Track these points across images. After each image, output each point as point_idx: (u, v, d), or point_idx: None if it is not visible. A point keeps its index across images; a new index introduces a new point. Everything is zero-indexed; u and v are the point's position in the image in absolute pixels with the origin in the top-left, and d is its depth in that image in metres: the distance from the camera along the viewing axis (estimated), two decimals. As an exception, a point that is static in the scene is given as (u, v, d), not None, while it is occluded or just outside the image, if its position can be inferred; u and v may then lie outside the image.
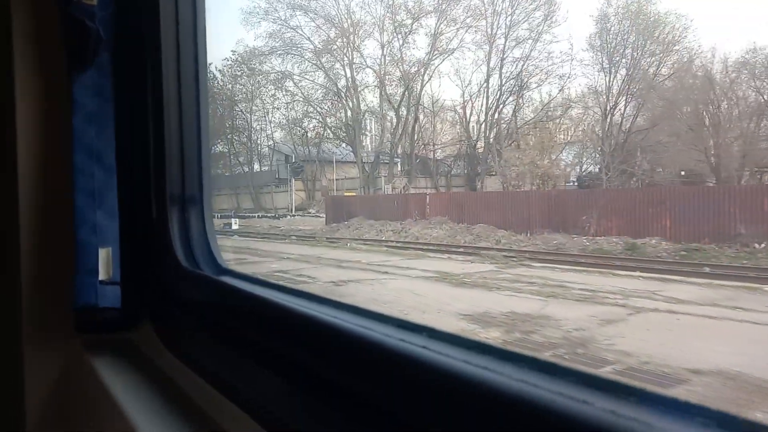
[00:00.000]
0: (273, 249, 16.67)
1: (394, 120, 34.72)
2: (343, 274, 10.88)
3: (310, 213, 35.37)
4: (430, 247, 16.29)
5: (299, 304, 0.76)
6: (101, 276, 1.22)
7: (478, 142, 34.05)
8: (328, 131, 38.13)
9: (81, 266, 1.21)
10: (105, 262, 1.22)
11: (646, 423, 0.38)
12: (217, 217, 37.09)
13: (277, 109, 41.50)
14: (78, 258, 1.21)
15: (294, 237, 21.63)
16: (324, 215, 33.00)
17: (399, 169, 35.17)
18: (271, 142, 40.83)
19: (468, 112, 34.33)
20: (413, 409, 0.53)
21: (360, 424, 0.59)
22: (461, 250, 15.40)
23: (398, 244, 17.39)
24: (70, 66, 1.22)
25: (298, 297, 0.80)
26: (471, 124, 34.91)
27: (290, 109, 39.53)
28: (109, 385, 1.04)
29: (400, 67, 33.20)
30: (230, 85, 40.44)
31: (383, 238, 19.82)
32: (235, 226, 31.37)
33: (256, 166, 40.84)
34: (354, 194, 30.28)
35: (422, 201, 22.21)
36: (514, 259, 13.04)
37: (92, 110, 1.23)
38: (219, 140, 42.22)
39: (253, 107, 40.10)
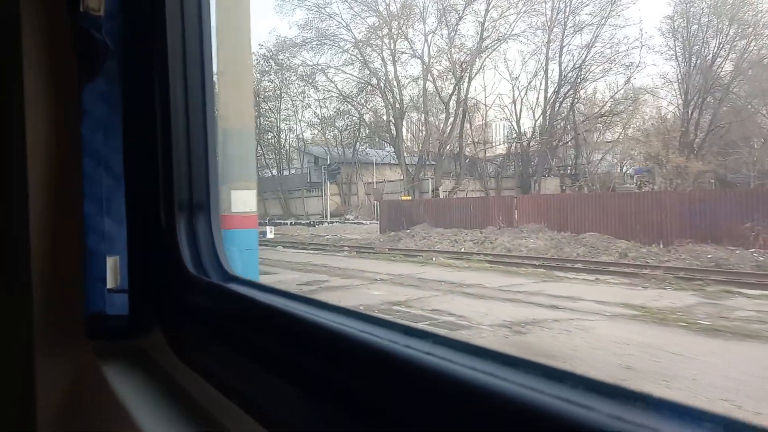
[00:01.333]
0: (340, 265, 13.70)
1: (442, 116, 31.64)
2: (494, 310, 7.70)
3: (348, 219, 32.21)
4: (550, 264, 12.93)
5: (306, 311, 0.76)
6: (109, 284, 1.23)
7: (532, 141, 30.77)
8: (366, 130, 35.04)
9: (90, 274, 1.22)
10: (113, 270, 1.24)
11: (652, 429, 0.37)
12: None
13: (308, 107, 38.62)
14: (87, 265, 1.22)
15: (348, 248, 18.54)
16: (365, 222, 29.84)
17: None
18: (300, 143, 37.80)
19: (518, 107, 31.12)
20: (419, 415, 0.53)
21: (367, 429, 0.59)
22: (593, 267, 12.15)
23: (497, 259, 14.17)
24: (79, 74, 1.23)
25: (304, 304, 0.80)
26: (522, 120, 31.69)
27: (322, 106, 36.56)
28: (119, 391, 1.05)
29: (450, 56, 30.08)
30: (255, 82, 37.50)
31: (463, 250, 16.65)
32: (270, 235, 28.33)
33: (282, 169, 37.79)
34: (409, 198, 27.01)
35: (507, 205, 19.05)
36: (700, 281, 9.75)
37: (100, 118, 1.24)
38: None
39: (281, 105, 37.13)
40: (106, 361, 1.19)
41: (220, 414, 0.87)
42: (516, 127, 31.69)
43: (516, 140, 31.86)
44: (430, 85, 30.95)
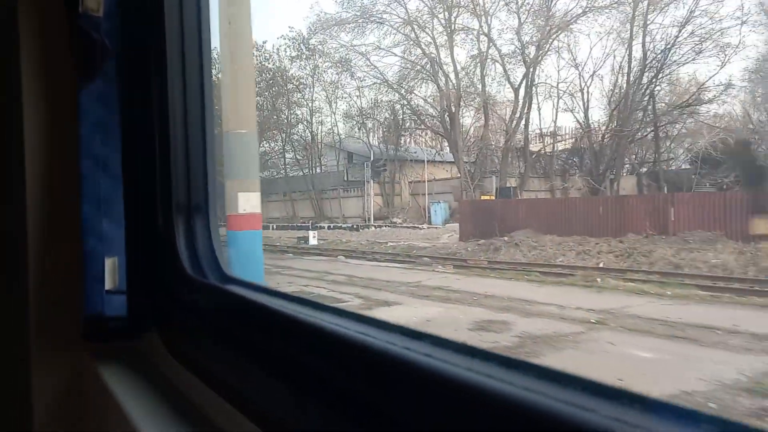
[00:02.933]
0: (467, 288, 9.78)
1: (506, 104, 27.68)
2: None
3: (395, 223, 28.03)
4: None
5: (303, 312, 0.76)
6: (107, 285, 1.23)
7: (606, 134, 26.74)
8: (411, 122, 31.03)
9: (88, 275, 1.22)
10: (111, 271, 1.24)
11: (650, 431, 0.37)
12: (272, 228, 30.19)
13: (343, 98, 34.69)
14: (85, 266, 1.22)
15: (429, 259, 14.71)
16: (421, 226, 25.55)
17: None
18: (335, 138, 33.79)
19: (586, 95, 27.12)
20: (417, 417, 0.52)
21: (365, 431, 0.58)
22: None
23: (692, 281, 10.19)
24: (77, 75, 1.23)
25: (302, 305, 0.79)
26: (590, 111, 27.76)
27: (360, 95, 32.62)
28: (116, 392, 1.04)
29: (518, 34, 26.05)
30: (284, 70, 33.63)
31: (602, 264, 12.67)
32: (313, 241, 24.01)
33: (314, 167, 33.79)
34: (492, 198, 22.91)
35: (659, 207, 14.87)
36: None
37: (98, 119, 1.24)
38: (268, 137, 35.28)
39: (312, 95, 33.17)
40: (103, 363, 1.19)
41: (218, 416, 0.87)
42: (584, 119, 27.67)
43: (585, 133, 27.84)
44: (492, 69, 27.00)
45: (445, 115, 27.72)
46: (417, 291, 10.19)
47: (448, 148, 30.34)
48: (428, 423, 0.51)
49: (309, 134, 33.28)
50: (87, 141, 1.23)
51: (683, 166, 27.46)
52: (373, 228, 26.87)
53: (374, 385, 0.58)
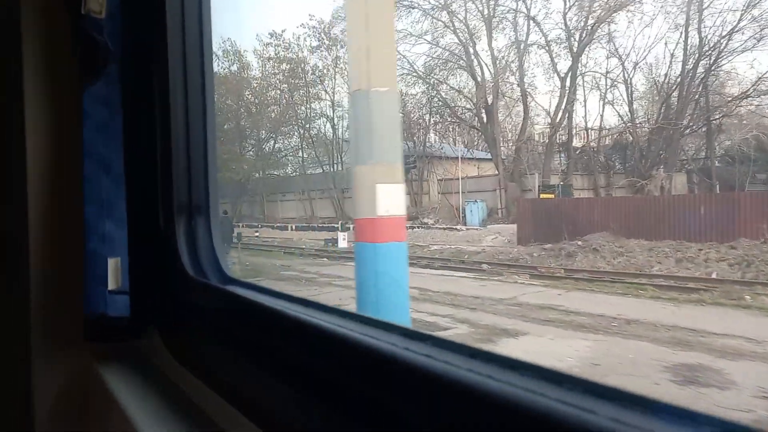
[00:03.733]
0: (594, 310, 7.90)
1: (546, 96, 25.64)
2: None
3: (426, 223, 26.01)
4: None
5: (305, 313, 0.75)
6: (110, 285, 1.23)
7: (653, 128, 24.76)
8: (441, 114, 29.00)
9: (91, 275, 1.22)
10: (114, 271, 1.23)
11: None
12: (291, 229, 28.16)
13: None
14: (88, 267, 1.22)
15: (495, 267, 12.79)
16: (459, 228, 23.51)
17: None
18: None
19: (629, 87, 25.16)
20: (418, 418, 0.52)
21: (366, 431, 0.58)
22: None
23: None
24: (80, 77, 1.23)
25: (303, 306, 0.79)
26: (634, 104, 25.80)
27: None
28: (117, 392, 1.04)
29: (565, 17, 23.95)
30: (302, 62, 31.70)
31: (715, 275, 10.72)
32: (343, 243, 21.89)
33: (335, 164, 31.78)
34: (552, 196, 20.84)
35: None
36: None
37: (101, 120, 1.24)
38: (283, 132, 33.28)
39: (334, 88, 31.19)
40: (105, 363, 1.19)
41: (218, 416, 0.86)
42: (629, 111, 25.66)
43: (630, 127, 25.85)
44: (535, 57, 24.95)
45: (481, 108, 25.71)
46: (525, 312, 8.25)
47: (477, 144, 28.39)
48: (429, 424, 0.51)
49: (330, 129, 31.26)
50: (89, 142, 1.23)
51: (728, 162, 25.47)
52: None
53: (375, 386, 0.59)
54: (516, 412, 0.43)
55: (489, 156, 28.14)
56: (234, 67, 34.13)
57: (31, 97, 1.22)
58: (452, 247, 18.53)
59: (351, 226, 25.36)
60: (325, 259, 17.13)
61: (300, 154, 32.65)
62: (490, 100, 25.38)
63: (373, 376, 0.59)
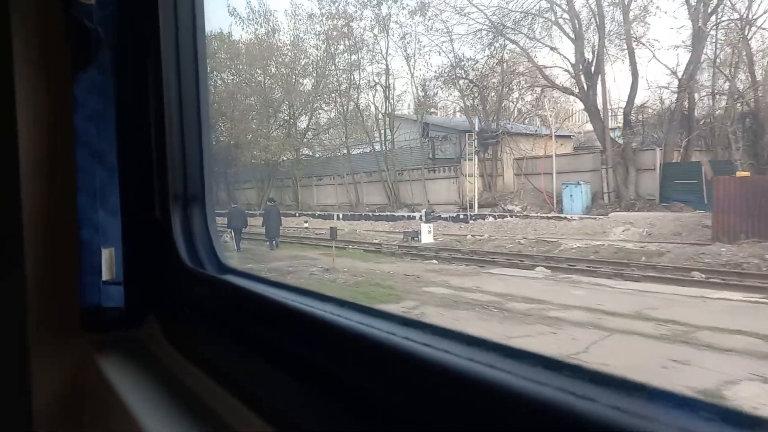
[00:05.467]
0: None
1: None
2: None
3: (511, 211, 21.33)
4: None
5: (302, 302, 0.75)
6: (105, 276, 1.22)
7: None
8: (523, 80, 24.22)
9: (85, 266, 1.21)
10: (108, 262, 1.22)
11: (650, 418, 0.37)
12: (338, 218, 23.51)
13: (425, 53, 28.01)
14: (82, 258, 1.21)
15: (701, 273, 9.43)
16: (572, 216, 18.73)
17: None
18: (416, 105, 26.98)
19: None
20: (417, 406, 0.52)
21: (363, 420, 0.58)
22: None
23: None
24: (72, 65, 1.21)
25: (301, 295, 0.79)
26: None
27: (444, 52, 25.91)
28: (116, 382, 1.04)
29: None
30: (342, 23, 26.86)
31: None
32: (428, 238, 17.12)
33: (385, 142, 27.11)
34: (748, 174, 15.81)
35: None
36: None
37: (93, 109, 1.22)
38: (318, 108, 28.45)
39: (388, 51, 26.48)
40: (102, 353, 1.18)
41: (216, 404, 0.86)
42: (749, 73, 20.86)
43: (752, 93, 21.07)
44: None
45: (580, 71, 20.99)
46: None
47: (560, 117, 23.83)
48: (428, 411, 0.50)
49: (383, 100, 26.53)
50: (82, 131, 1.21)
51: None
52: (491, 218, 20.29)
53: (374, 373, 0.58)
54: (516, 400, 0.43)
55: (566, 133, 23.55)
56: (261, 30, 29.13)
57: (22, 86, 1.20)
58: (590, 243, 14.03)
59: (441, 214, 21.04)
60: (434, 261, 12.57)
61: (343, 130, 27.95)
62: (590, 59, 20.67)
63: (372, 364, 0.58)
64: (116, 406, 0.96)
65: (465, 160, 23.07)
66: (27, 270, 1.21)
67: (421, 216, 19.82)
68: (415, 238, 17.47)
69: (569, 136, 24.85)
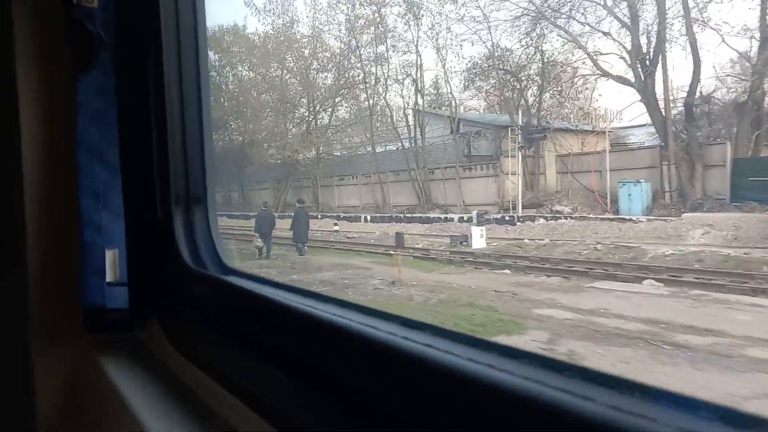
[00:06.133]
0: None
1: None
2: None
3: (560, 212, 19.64)
4: None
5: (304, 303, 0.75)
6: (108, 277, 1.22)
7: None
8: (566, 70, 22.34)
9: (87, 266, 1.22)
10: (112, 263, 1.22)
11: (649, 418, 0.37)
12: (365, 220, 21.89)
13: (457, 43, 26.28)
14: (84, 258, 1.21)
15: None
16: (638, 217, 17.06)
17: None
18: (450, 99, 25.16)
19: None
20: (416, 406, 0.52)
21: (365, 421, 0.58)
22: None
23: None
24: (74, 66, 1.21)
25: (303, 296, 0.79)
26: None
27: (483, 40, 24.13)
28: (118, 383, 1.04)
29: None
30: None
31: None
32: (479, 242, 15.55)
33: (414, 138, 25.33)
34: None
35: None
36: None
37: (95, 110, 1.23)
38: (342, 103, 26.89)
39: (418, 39, 24.84)
40: (105, 354, 1.18)
41: (218, 405, 0.86)
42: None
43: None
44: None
45: (636, 59, 19.14)
46: None
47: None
48: (428, 412, 0.50)
49: (412, 95, 24.74)
50: (84, 133, 1.21)
51: None
52: (542, 220, 18.50)
53: (375, 374, 0.58)
54: (516, 400, 0.43)
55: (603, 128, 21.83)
56: (279, 22, 27.43)
57: (24, 88, 1.20)
58: (682, 249, 12.26)
59: (493, 215, 19.23)
60: (506, 271, 10.80)
61: (367, 126, 26.17)
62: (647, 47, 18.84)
63: (372, 365, 0.58)
64: (118, 406, 0.96)
65: (507, 157, 21.22)
66: (29, 271, 1.21)
67: (462, 218, 17.99)
68: (464, 243, 15.67)
69: (604, 132, 23.06)
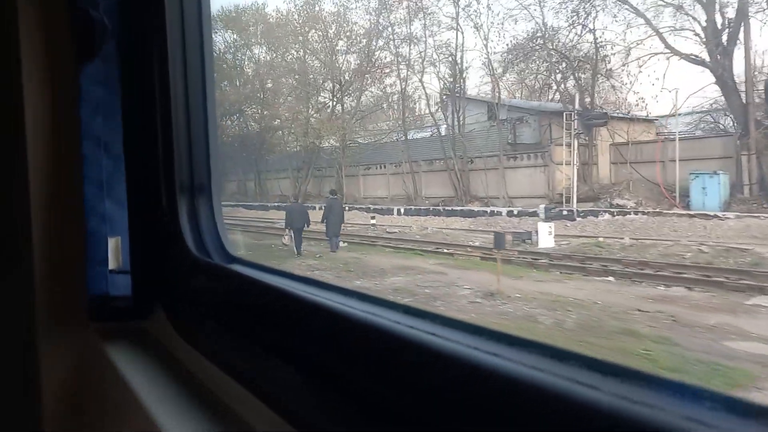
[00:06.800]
0: None
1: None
2: None
3: (622, 207, 17.79)
4: None
5: (309, 291, 0.75)
6: (111, 265, 1.22)
7: None
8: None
9: (92, 255, 1.21)
10: (114, 251, 1.22)
11: (655, 407, 0.37)
12: (398, 213, 20.09)
13: (498, 21, 24.32)
14: (89, 247, 1.21)
15: None
16: (726, 214, 15.09)
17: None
18: (493, 84, 23.12)
19: None
20: (422, 395, 0.52)
21: (369, 410, 0.58)
22: None
23: None
24: (77, 56, 1.20)
25: (307, 284, 0.78)
26: None
27: (534, 16, 22.10)
28: (124, 372, 1.04)
29: None
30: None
31: None
32: (547, 241, 14.85)
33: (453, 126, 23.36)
34: None
35: None
36: None
37: (99, 100, 1.22)
38: (370, 87, 24.99)
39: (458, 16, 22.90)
40: (110, 342, 1.17)
41: (223, 393, 0.86)
42: None
43: None
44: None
45: (710, 37, 17.08)
46: None
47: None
48: (434, 400, 0.50)
49: (456, 73, 22.73)
50: (88, 122, 1.21)
51: None
52: (607, 216, 16.60)
53: (379, 363, 0.58)
54: (521, 389, 0.43)
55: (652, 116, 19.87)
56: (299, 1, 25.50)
57: (28, 77, 1.20)
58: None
59: (562, 209, 17.35)
60: (610, 279, 8.96)
61: (401, 111, 24.22)
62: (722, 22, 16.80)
63: (378, 354, 0.58)
64: (123, 394, 0.96)
65: (561, 145, 19.24)
66: (34, 260, 1.20)
67: (512, 212, 15.99)
68: (527, 241, 13.78)
69: (652, 120, 21.09)
